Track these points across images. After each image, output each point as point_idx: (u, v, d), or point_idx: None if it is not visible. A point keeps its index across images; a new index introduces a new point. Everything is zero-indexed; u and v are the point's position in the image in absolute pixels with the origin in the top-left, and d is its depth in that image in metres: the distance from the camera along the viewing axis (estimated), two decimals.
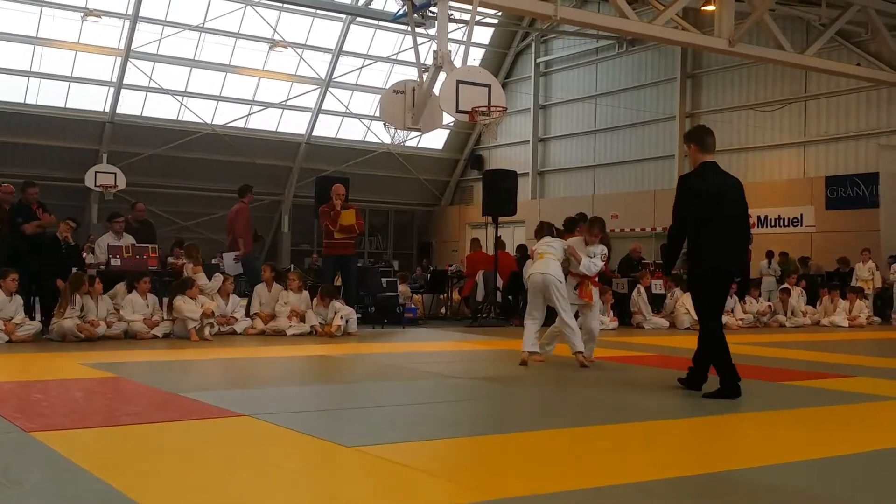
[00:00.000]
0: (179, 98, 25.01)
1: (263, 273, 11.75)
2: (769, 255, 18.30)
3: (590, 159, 26.01)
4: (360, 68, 26.51)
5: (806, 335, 12.83)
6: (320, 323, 11.00)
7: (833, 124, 20.43)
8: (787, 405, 5.93)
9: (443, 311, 16.03)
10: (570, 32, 24.90)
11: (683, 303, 13.43)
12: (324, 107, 26.74)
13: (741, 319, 14.30)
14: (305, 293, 11.39)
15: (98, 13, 22.19)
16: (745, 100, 22.04)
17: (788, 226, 20.53)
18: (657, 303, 14.35)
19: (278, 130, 26.95)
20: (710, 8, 15.27)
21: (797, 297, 15.40)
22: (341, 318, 10.93)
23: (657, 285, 14.40)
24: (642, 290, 14.03)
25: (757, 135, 21.74)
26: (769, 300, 15.66)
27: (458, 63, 12.12)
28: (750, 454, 4.27)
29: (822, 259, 18.98)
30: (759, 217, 20.95)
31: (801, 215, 20.30)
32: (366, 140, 28.00)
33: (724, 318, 13.52)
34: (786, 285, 15.51)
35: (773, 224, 20.78)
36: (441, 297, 16.45)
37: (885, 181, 18.00)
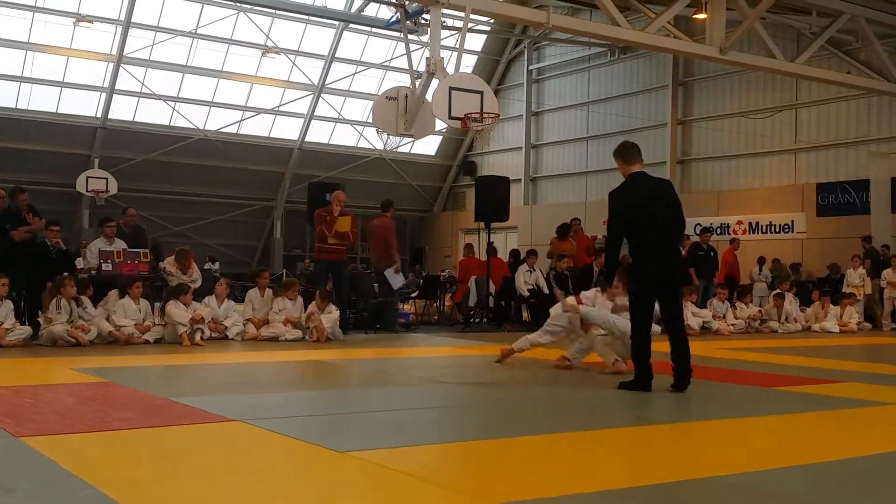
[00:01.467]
0: (172, 103, 24.99)
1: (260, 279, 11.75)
2: (760, 261, 18.35)
3: (582, 166, 26.06)
4: (353, 75, 26.55)
5: (797, 341, 12.85)
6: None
7: (824, 132, 20.54)
8: (777, 411, 5.94)
9: (435, 316, 16.00)
10: (563, 40, 24.98)
11: None
12: (316, 113, 26.75)
13: (732, 325, 14.30)
14: (300, 300, 11.35)
15: (90, 19, 22.17)
16: (736, 107, 22.14)
17: (779, 232, 20.62)
18: None
19: (271, 136, 26.94)
20: (702, 16, 15.30)
21: (790, 302, 15.41)
22: (323, 320, 10.83)
23: None
24: None
25: (748, 142, 21.83)
26: (760, 306, 15.68)
27: (450, 70, 12.14)
28: (740, 459, 4.28)
29: (813, 265, 19.05)
30: (750, 223, 21.06)
31: (793, 222, 20.39)
32: (358, 146, 28.00)
33: (716, 324, 13.81)
34: (779, 291, 15.52)
35: (764, 230, 20.87)
36: (434, 305, 16.41)
37: (876, 188, 18.10)
